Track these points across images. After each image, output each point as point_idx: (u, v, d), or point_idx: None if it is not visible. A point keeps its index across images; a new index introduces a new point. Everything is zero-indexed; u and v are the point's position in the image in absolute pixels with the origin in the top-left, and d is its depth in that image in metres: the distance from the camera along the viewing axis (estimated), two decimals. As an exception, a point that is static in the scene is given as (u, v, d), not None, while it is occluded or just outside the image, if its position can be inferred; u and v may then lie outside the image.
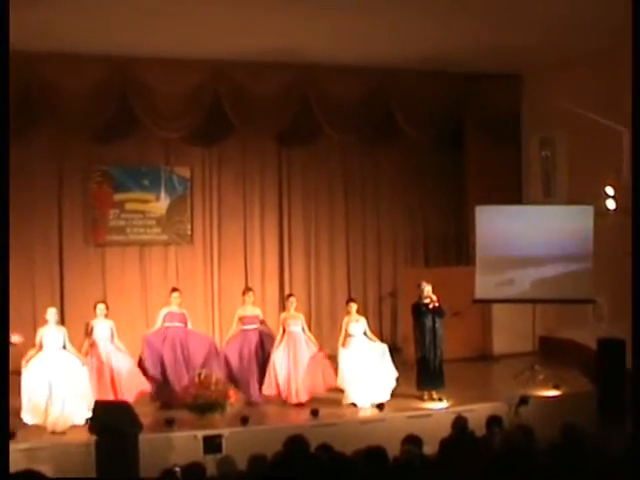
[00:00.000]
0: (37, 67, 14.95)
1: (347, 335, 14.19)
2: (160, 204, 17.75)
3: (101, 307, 13.91)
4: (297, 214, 18.68)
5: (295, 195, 18.64)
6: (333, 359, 14.41)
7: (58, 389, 12.57)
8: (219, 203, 18.21)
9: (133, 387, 13.65)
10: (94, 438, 11.18)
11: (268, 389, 14.11)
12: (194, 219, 18.03)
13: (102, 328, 13.77)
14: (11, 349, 12.48)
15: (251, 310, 14.70)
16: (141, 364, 14.02)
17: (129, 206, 17.57)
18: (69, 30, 13.55)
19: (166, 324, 14.35)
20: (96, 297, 15.37)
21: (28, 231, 16.90)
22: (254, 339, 14.48)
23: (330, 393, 14.11)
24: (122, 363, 13.69)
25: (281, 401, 14.07)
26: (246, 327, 14.54)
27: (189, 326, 14.58)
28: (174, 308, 14.49)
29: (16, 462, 10.35)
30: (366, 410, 13.67)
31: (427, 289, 14.10)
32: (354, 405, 13.81)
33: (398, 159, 18.95)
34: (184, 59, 15.48)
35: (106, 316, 13.96)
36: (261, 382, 14.20)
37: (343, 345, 14.16)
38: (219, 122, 16.77)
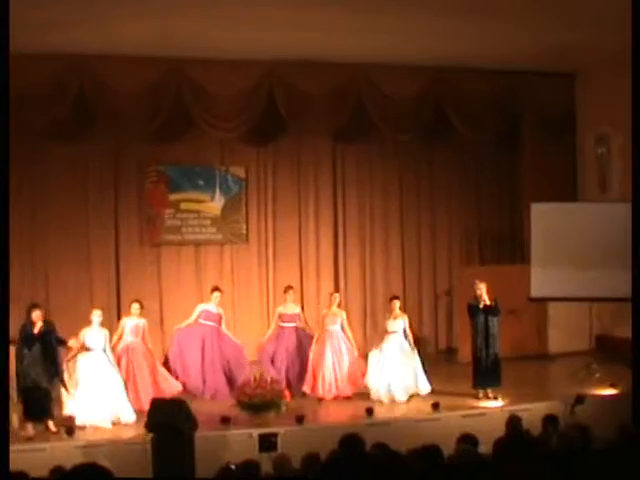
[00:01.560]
0: (93, 69, 15.12)
1: (387, 332, 14.30)
2: (215, 204, 17.85)
3: (135, 306, 14.09)
4: (352, 212, 18.69)
5: (350, 193, 18.66)
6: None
7: (91, 390, 12.73)
8: (274, 202, 18.29)
9: (161, 389, 13.88)
10: (150, 435, 11.28)
11: (306, 387, 14.34)
12: (249, 218, 18.12)
13: (132, 326, 13.96)
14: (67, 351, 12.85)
15: (291, 308, 14.93)
16: (167, 357, 14.44)
17: (184, 206, 17.69)
18: (124, 32, 13.68)
19: (200, 320, 14.51)
20: (152, 296, 15.54)
21: (85, 231, 17.11)
22: (291, 337, 14.70)
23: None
24: (146, 363, 13.92)
25: (317, 398, 14.28)
26: (284, 324, 14.76)
27: (223, 327, 14.75)
28: (212, 307, 14.66)
29: (74, 458, 10.50)
30: (412, 403, 13.92)
31: (481, 287, 14.07)
32: (379, 401, 14.01)
33: (453, 156, 18.92)
34: (238, 59, 15.57)
35: (140, 315, 14.11)
36: (294, 379, 14.47)
37: (381, 342, 14.31)
38: (273, 121, 16.84)
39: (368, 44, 14.95)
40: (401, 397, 13.99)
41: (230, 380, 14.36)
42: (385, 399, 13.99)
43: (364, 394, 14.25)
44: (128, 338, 13.89)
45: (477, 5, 12.88)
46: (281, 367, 14.52)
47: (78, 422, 12.56)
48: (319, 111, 16.44)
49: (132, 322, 14.00)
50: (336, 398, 14.24)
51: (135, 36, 13.90)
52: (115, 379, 13.02)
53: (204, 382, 14.40)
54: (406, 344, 14.30)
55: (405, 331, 14.36)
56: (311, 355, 14.39)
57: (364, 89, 16.61)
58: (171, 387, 13.89)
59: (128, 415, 12.85)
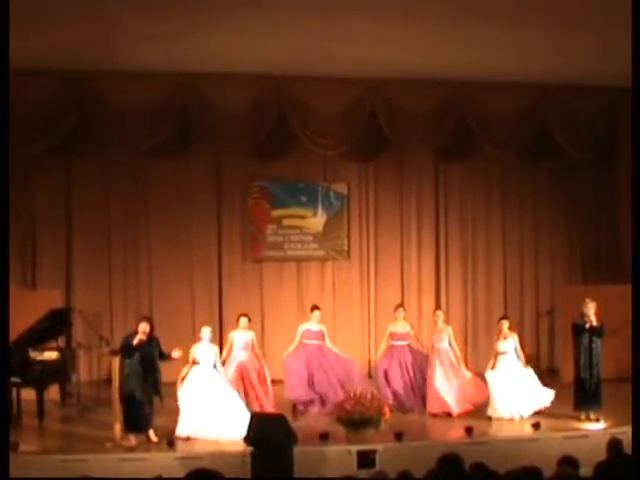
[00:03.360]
0: (196, 86, 15.31)
1: (497, 353, 14.23)
2: (317, 220, 17.98)
3: (244, 320, 14.27)
4: (454, 229, 18.66)
5: (452, 210, 18.64)
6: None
7: (211, 406, 12.89)
8: (376, 218, 18.36)
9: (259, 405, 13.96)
10: (250, 449, 11.36)
11: (430, 407, 14.34)
12: (351, 235, 18.21)
13: (242, 341, 14.14)
14: (170, 362, 13.05)
15: (402, 326, 14.87)
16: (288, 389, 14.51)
17: (286, 222, 17.86)
18: (228, 50, 13.84)
19: (304, 340, 14.62)
20: (253, 312, 15.68)
21: (188, 247, 17.42)
22: (403, 355, 14.65)
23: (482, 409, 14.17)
24: (258, 378, 14.10)
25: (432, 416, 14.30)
26: (396, 343, 14.73)
27: (327, 342, 14.80)
28: (313, 325, 14.75)
29: (174, 470, 10.69)
30: (513, 423, 13.81)
31: (591, 307, 13.89)
32: (502, 418, 13.95)
33: (556, 174, 18.70)
34: (341, 77, 15.57)
35: (248, 328, 14.26)
36: (411, 396, 14.45)
37: (493, 365, 14.25)
38: (376, 138, 16.84)
39: (471, 61, 14.87)
40: (526, 412, 13.96)
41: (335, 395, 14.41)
42: (509, 416, 13.94)
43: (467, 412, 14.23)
44: (239, 353, 14.09)
45: (579, 21, 12.74)
46: (396, 385, 14.51)
47: (182, 434, 12.76)
48: (421, 129, 16.34)
49: (241, 336, 14.20)
50: (448, 415, 14.24)
51: (238, 54, 14.05)
52: (226, 394, 13.15)
53: (313, 398, 14.48)
54: (518, 364, 14.24)
55: (516, 351, 14.30)
56: (428, 377, 14.38)
57: (467, 107, 16.47)
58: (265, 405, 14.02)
59: (233, 432, 12.73)
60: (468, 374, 14.54)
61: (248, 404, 13.51)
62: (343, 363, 14.75)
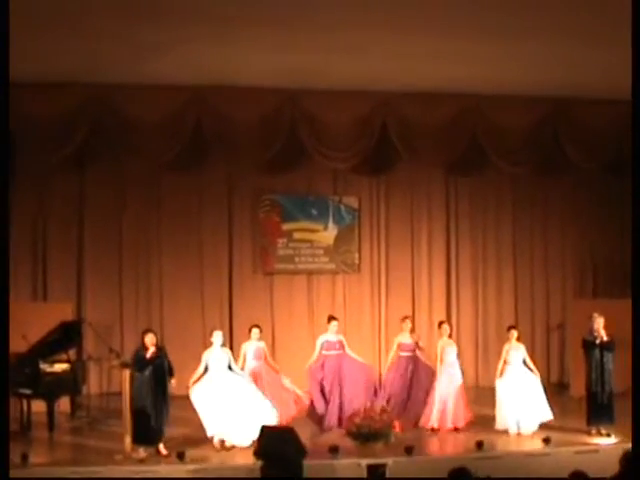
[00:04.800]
0: (209, 100, 15.31)
1: (505, 363, 14.23)
2: (328, 234, 18.00)
3: (256, 331, 14.27)
4: (465, 243, 18.66)
5: (463, 224, 18.64)
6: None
7: (229, 407, 12.89)
8: (387, 232, 18.38)
9: (282, 412, 13.88)
10: (259, 462, 11.34)
11: (426, 420, 14.28)
12: (362, 248, 18.22)
13: (254, 351, 14.15)
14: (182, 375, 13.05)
15: (408, 338, 14.88)
16: (311, 395, 14.41)
17: (297, 235, 17.88)
18: (240, 64, 13.87)
19: (324, 352, 14.58)
20: (264, 325, 15.64)
21: (199, 259, 17.49)
22: (410, 366, 14.68)
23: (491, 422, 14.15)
24: (272, 384, 14.08)
25: (431, 429, 14.22)
26: (403, 354, 14.79)
27: (347, 350, 14.77)
28: (331, 336, 14.69)
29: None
30: (522, 437, 13.74)
31: (599, 322, 13.87)
32: (506, 432, 13.89)
33: (567, 188, 18.68)
34: (352, 90, 15.56)
35: (259, 339, 14.27)
36: (411, 408, 14.44)
37: (501, 373, 14.25)
38: (387, 152, 16.86)
39: (483, 75, 14.85)
40: (529, 429, 13.89)
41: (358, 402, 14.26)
42: (513, 429, 13.90)
43: (476, 425, 14.20)
44: (252, 363, 14.10)
45: (593, 35, 12.73)
46: (397, 396, 14.49)
47: (214, 434, 12.81)
48: (433, 142, 16.27)
49: (253, 346, 14.19)
50: (453, 430, 14.21)
51: (251, 68, 14.08)
52: (247, 393, 13.17)
53: (327, 412, 14.44)
54: (526, 374, 14.23)
55: (525, 362, 14.29)
56: (435, 388, 14.34)
57: (478, 120, 16.40)
58: (288, 411, 14.03)
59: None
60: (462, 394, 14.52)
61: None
62: (363, 370, 14.73)
